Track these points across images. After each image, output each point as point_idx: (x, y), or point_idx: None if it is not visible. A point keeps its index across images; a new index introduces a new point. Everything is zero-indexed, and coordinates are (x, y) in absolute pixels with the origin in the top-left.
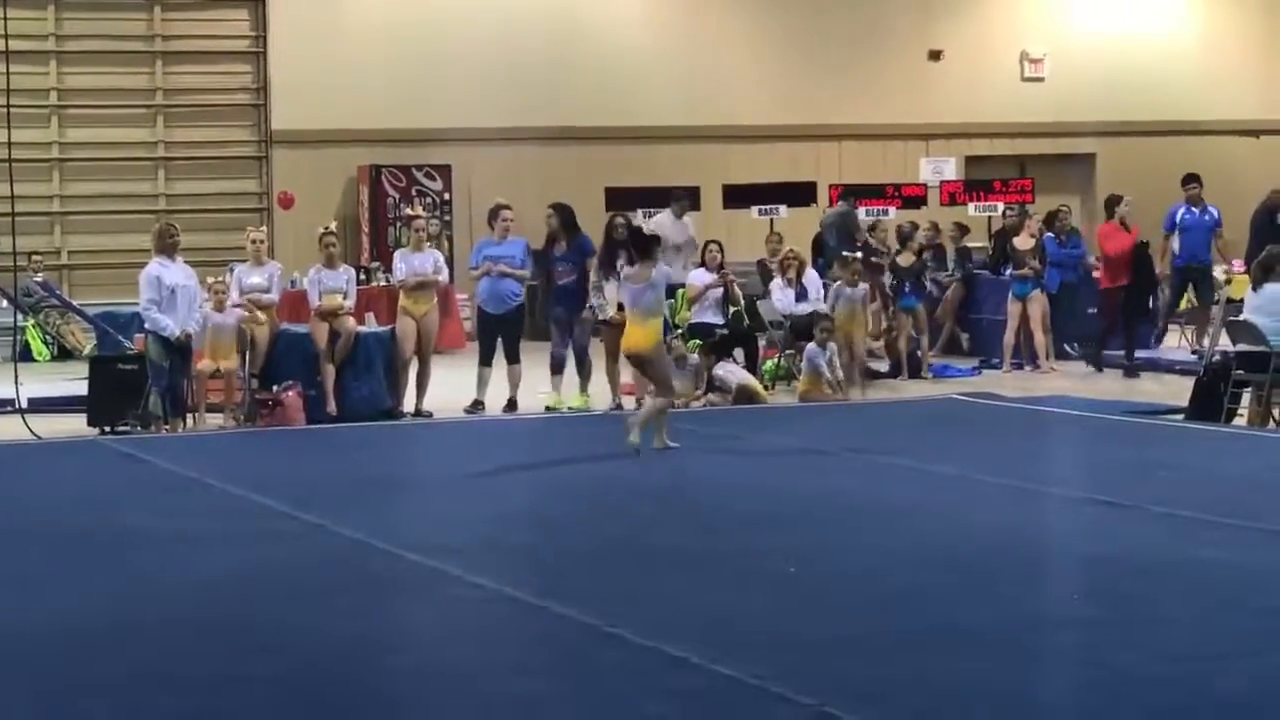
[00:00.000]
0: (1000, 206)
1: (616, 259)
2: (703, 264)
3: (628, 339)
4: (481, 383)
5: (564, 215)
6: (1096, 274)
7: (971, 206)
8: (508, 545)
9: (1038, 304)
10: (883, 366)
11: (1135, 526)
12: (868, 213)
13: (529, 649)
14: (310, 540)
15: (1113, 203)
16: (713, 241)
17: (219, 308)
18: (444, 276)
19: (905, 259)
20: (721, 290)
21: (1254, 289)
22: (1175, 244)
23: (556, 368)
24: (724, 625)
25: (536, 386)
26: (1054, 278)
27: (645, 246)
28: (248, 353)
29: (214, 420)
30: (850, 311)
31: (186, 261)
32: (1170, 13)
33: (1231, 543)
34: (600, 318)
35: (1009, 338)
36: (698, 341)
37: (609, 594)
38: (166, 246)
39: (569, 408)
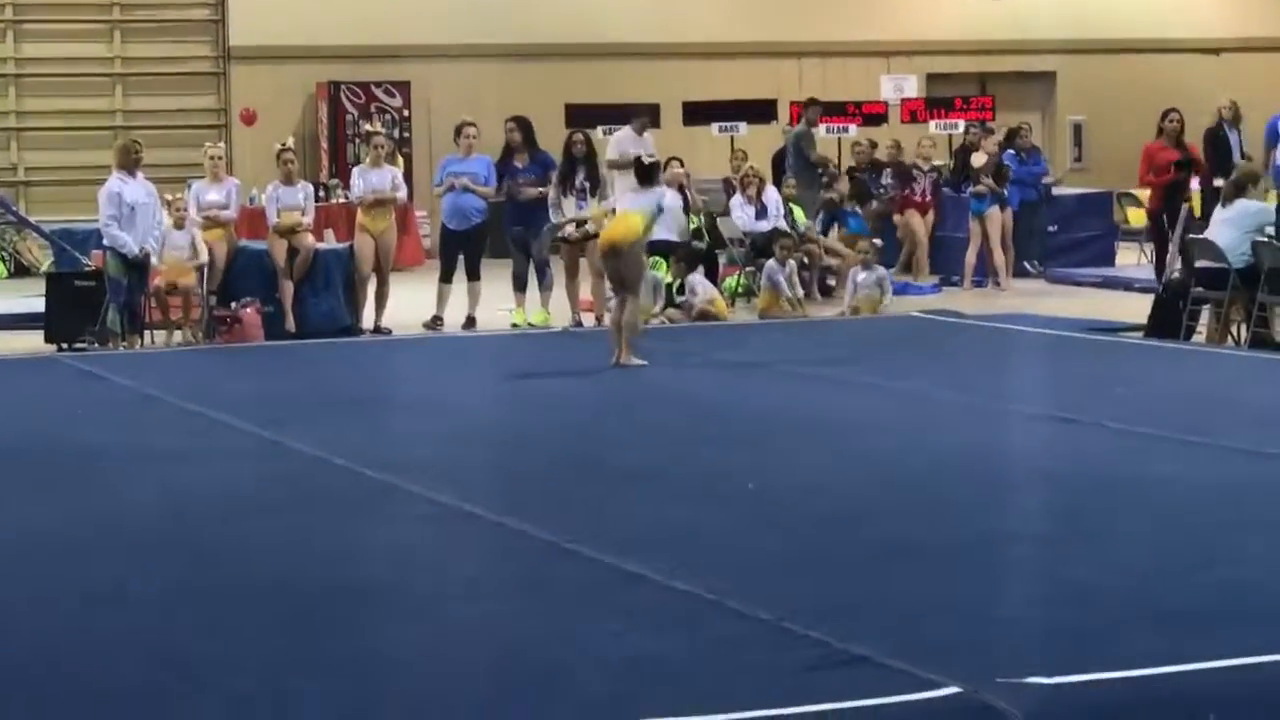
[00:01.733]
0: (961, 124)
1: (576, 175)
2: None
3: (611, 229)
4: (441, 299)
5: (525, 128)
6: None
7: (932, 124)
8: (466, 462)
9: (995, 222)
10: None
11: (1091, 443)
12: (828, 130)
13: (485, 566)
14: (267, 457)
15: (1163, 116)
16: (674, 158)
17: (179, 225)
18: (402, 193)
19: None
20: (681, 208)
21: (1223, 205)
22: (1278, 156)
23: (519, 285)
24: (683, 541)
25: (496, 304)
26: (1014, 195)
27: (647, 173)
28: (205, 269)
29: (173, 337)
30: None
31: (146, 178)
32: None
33: (1186, 458)
34: (559, 235)
35: (970, 256)
36: (659, 258)
37: (567, 511)
38: (129, 163)
39: (529, 324)
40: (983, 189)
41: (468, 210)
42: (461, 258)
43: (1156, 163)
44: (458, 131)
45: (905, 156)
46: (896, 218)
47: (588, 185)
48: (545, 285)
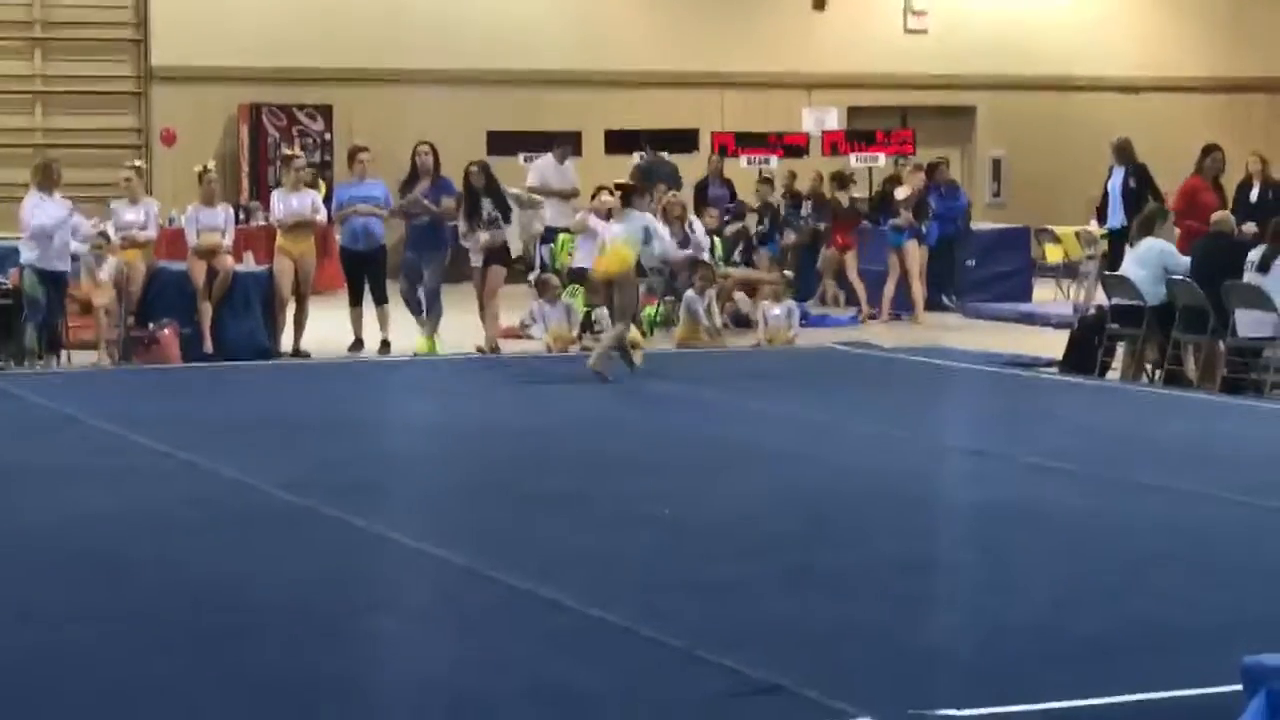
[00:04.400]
0: (881, 158)
1: (481, 207)
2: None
3: (605, 263)
4: (355, 323)
5: (437, 155)
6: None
7: (853, 157)
8: (384, 486)
9: (914, 255)
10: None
11: (1002, 475)
12: (749, 161)
13: (402, 590)
14: (182, 478)
15: (1205, 154)
16: (603, 187)
17: (98, 249)
18: (322, 216)
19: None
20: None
21: (1131, 245)
22: None
23: (415, 309)
24: (599, 568)
25: (411, 328)
26: (933, 230)
27: (627, 196)
28: (123, 289)
29: (88, 357)
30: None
31: (64, 197)
32: None
33: (1096, 493)
34: (474, 264)
35: (888, 288)
36: (576, 286)
37: (485, 536)
38: (48, 183)
39: (414, 353)
40: (901, 222)
41: (364, 233)
42: (366, 281)
43: (1196, 203)
44: (351, 156)
45: (825, 189)
46: (826, 251)
47: (499, 215)
48: (433, 314)
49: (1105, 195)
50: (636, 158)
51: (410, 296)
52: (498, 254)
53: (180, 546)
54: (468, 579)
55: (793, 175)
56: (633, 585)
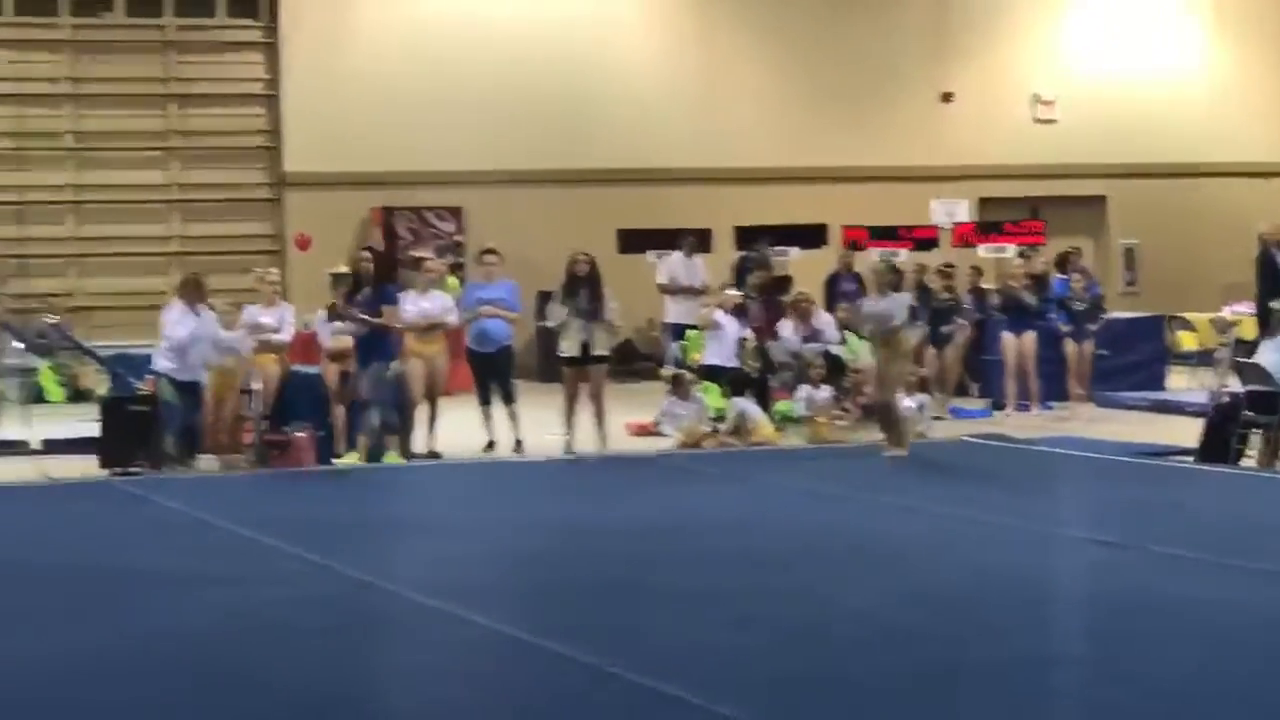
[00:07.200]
0: (1010, 248)
1: (579, 295)
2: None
3: (889, 346)
4: (485, 422)
5: (379, 262)
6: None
7: (982, 248)
8: (511, 585)
9: (1030, 343)
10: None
11: (1137, 567)
12: (880, 255)
13: (526, 689)
14: (313, 580)
15: None
16: (732, 283)
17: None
18: (453, 318)
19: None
20: (735, 333)
21: (1271, 332)
22: None
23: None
24: (723, 664)
25: (546, 428)
26: (1064, 318)
27: (892, 281)
28: (254, 392)
29: (226, 461)
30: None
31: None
32: (1181, 55)
33: (1233, 584)
34: (563, 354)
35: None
36: (709, 384)
37: (608, 633)
38: (195, 297)
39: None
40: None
41: (492, 334)
42: (493, 381)
43: None
44: (478, 258)
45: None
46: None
47: (591, 309)
48: (395, 427)
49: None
50: (744, 254)
51: (362, 415)
52: (592, 350)
53: (308, 648)
54: (589, 676)
55: (922, 268)
56: (757, 681)
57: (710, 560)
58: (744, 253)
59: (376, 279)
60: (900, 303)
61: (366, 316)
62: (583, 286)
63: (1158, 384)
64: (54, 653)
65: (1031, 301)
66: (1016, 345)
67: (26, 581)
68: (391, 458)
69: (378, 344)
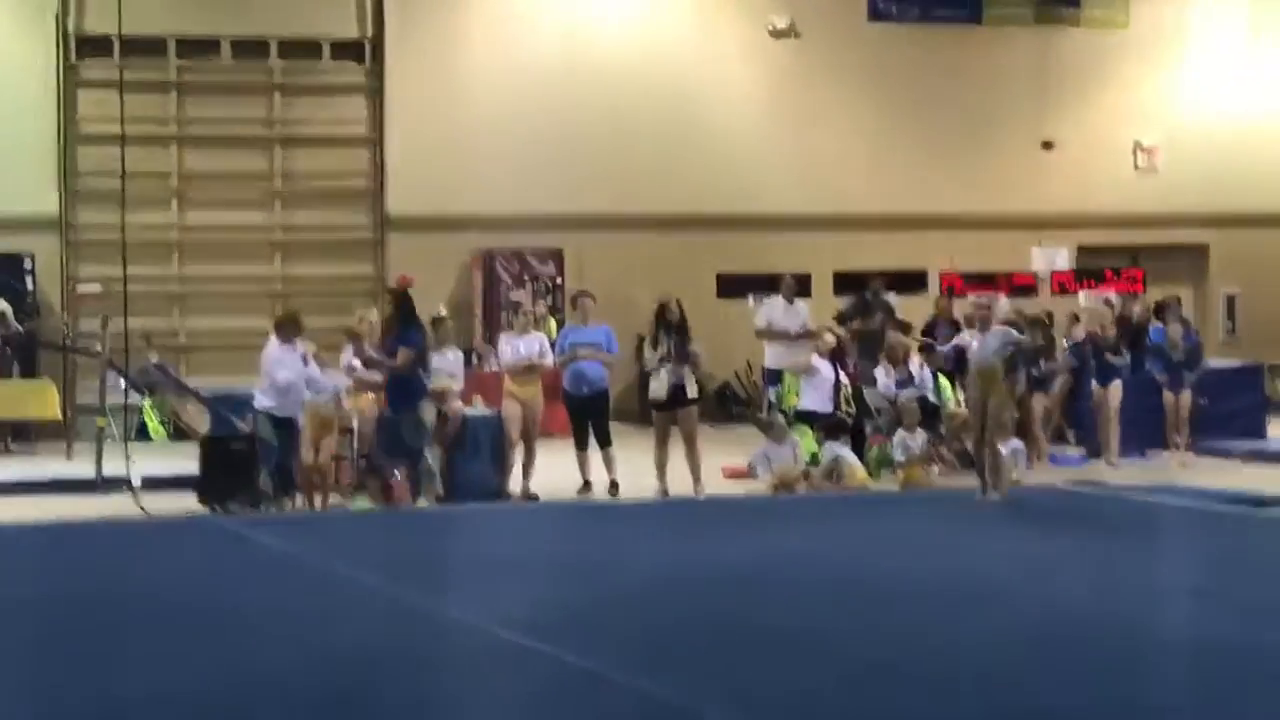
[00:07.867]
0: (1113, 296)
1: (666, 341)
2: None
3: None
4: (582, 465)
5: (398, 303)
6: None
7: (1082, 295)
8: (602, 625)
9: (1115, 393)
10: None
11: (1226, 615)
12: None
13: None
14: (408, 619)
15: None
16: (828, 327)
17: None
18: (549, 360)
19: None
20: (832, 378)
21: None
22: None
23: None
24: (814, 706)
25: (639, 471)
26: (1157, 366)
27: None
28: (353, 432)
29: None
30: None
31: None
32: None
33: None
34: (654, 397)
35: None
36: (804, 426)
37: (700, 674)
38: (291, 333)
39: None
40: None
41: (587, 377)
42: (590, 424)
43: None
44: (573, 301)
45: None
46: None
47: (677, 354)
48: (425, 475)
49: None
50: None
51: (383, 461)
52: (680, 396)
53: (402, 687)
54: (682, 716)
55: (1019, 315)
56: None
57: (800, 603)
58: (861, 294)
59: (398, 320)
60: (1001, 337)
61: (379, 358)
62: (671, 330)
63: (1258, 433)
64: (152, 692)
65: (1117, 353)
66: (1103, 395)
67: (124, 619)
68: (361, 503)
69: (409, 388)
